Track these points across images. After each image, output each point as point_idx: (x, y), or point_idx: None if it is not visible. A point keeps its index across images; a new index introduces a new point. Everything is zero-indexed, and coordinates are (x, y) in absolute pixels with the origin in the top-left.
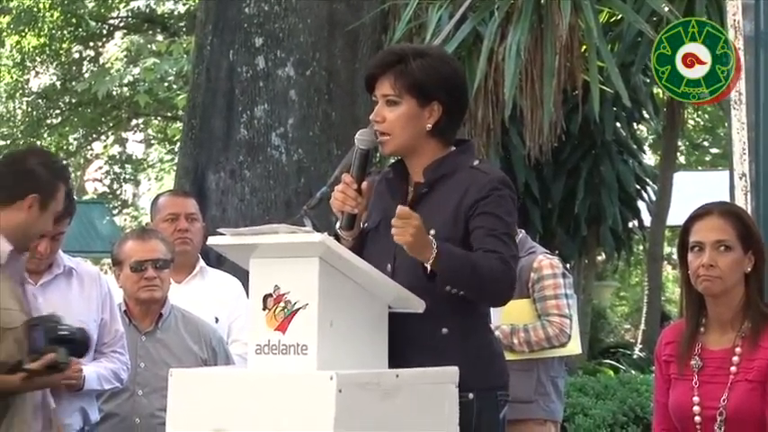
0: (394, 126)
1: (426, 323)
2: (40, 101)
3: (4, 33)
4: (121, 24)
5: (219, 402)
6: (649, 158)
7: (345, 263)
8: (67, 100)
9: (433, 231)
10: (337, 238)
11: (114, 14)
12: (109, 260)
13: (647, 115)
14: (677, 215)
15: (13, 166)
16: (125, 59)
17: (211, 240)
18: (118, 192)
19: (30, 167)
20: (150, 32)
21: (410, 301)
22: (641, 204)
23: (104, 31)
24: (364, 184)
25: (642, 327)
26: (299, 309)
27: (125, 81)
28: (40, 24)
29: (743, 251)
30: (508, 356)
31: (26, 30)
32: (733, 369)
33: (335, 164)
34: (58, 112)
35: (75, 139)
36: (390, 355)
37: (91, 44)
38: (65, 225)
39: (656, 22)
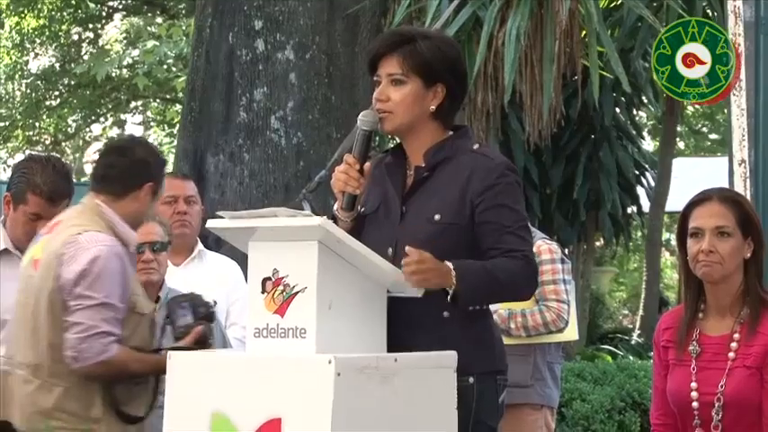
0: (398, 105)
1: (428, 307)
2: (39, 82)
3: (4, 14)
4: (121, 6)
5: (218, 385)
6: (648, 144)
7: (344, 247)
8: (66, 82)
9: (438, 216)
10: (334, 219)
11: None
12: None
13: (646, 101)
14: (676, 201)
15: (126, 157)
16: (124, 42)
17: (210, 223)
18: None
19: (143, 157)
20: (150, 15)
21: (408, 286)
22: (640, 190)
23: (104, 13)
24: (366, 165)
25: (640, 312)
26: (297, 292)
27: (124, 63)
28: (39, 6)
29: (742, 237)
30: (505, 341)
31: (25, 11)
32: (731, 355)
33: (335, 147)
34: (57, 93)
35: (74, 120)
36: (392, 338)
37: (90, 26)
38: (63, 207)
39: (656, 7)
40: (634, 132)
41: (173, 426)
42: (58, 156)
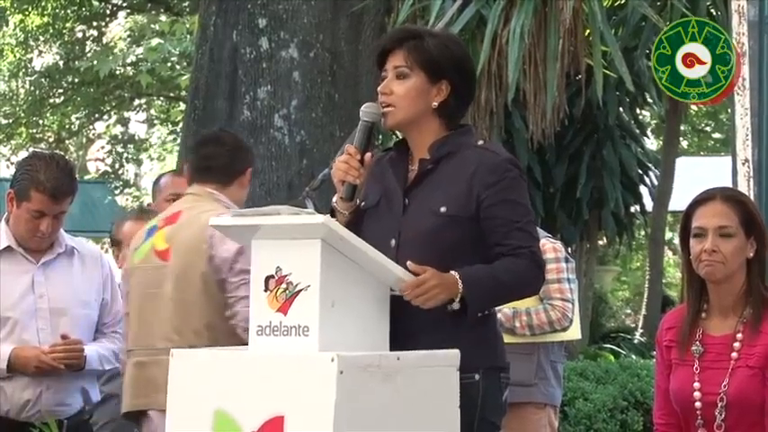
0: (401, 99)
1: None
2: (42, 80)
3: (8, 12)
4: (125, 4)
5: (220, 383)
6: (652, 143)
7: (347, 245)
8: (70, 79)
9: (443, 209)
10: (332, 213)
11: None
12: None
13: (650, 100)
14: (679, 200)
15: (224, 146)
16: (128, 39)
17: (213, 221)
18: (120, 172)
19: (238, 144)
20: (153, 12)
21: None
22: (643, 189)
23: (108, 11)
24: (367, 156)
25: (643, 312)
26: (300, 290)
27: (128, 61)
28: (43, 3)
29: (745, 237)
30: (509, 340)
31: (29, 9)
32: (734, 355)
33: (338, 146)
34: (60, 91)
35: (77, 118)
36: (394, 333)
37: (94, 24)
38: (66, 204)
39: (660, 6)
40: (637, 131)
41: (175, 424)
42: (62, 153)
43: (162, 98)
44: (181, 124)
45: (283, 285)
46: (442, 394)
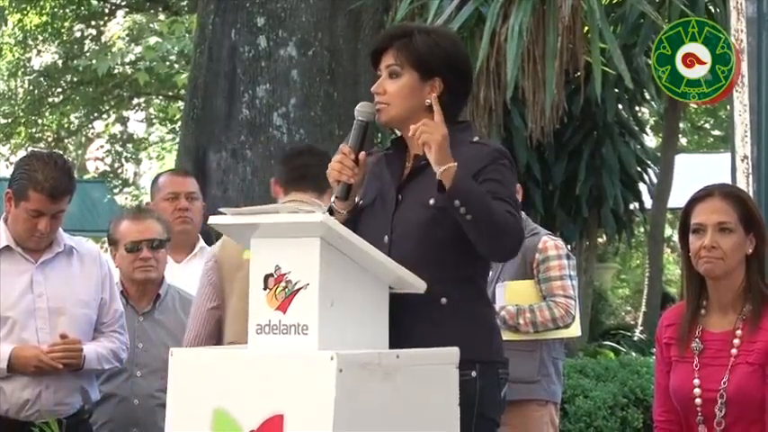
0: (393, 97)
1: (425, 292)
2: (41, 79)
3: (7, 11)
4: (123, 3)
5: (220, 382)
6: (651, 140)
7: (346, 243)
8: (69, 78)
9: (432, 201)
10: (331, 212)
11: None
12: None
13: (648, 97)
14: (678, 197)
15: (317, 156)
16: (127, 38)
17: (212, 220)
18: (119, 171)
19: (327, 155)
20: (152, 11)
21: (411, 283)
22: (642, 186)
23: (106, 10)
24: (361, 155)
25: (643, 309)
26: (299, 289)
27: (126, 60)
28: (41, 3)
29: (744, 233)
30: (513, 337)
31: (28, 8)
32: (734, 351)
33: (337, 144)
34: (59, 90)
35: (76, 117)
36: (392, 329)
37: (93, 23)
38: (65, 203)
39: (658, 3)
40: (636, 128)
41: (175, 422)
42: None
43: (161, 97)
44: (179, 123)
45: (282, 284)
46: (442, 392)
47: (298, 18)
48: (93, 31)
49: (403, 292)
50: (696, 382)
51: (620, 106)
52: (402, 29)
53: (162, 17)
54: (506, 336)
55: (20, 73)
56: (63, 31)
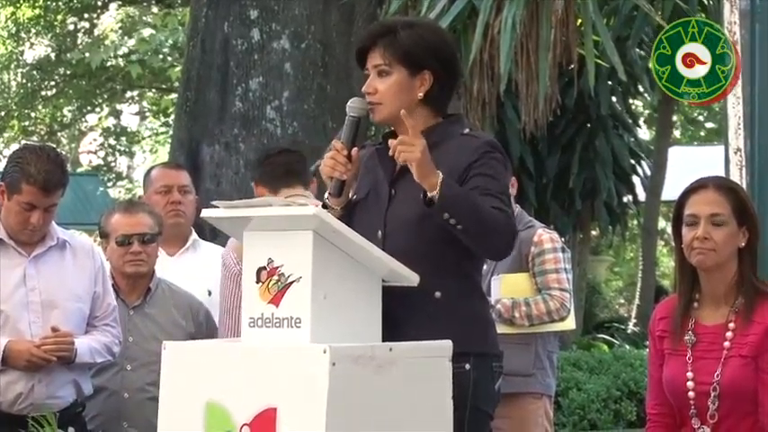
0: (384, 96)
1: (419, 286)
2: (34, 72)
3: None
4: None
5: (213, 375)
6: (644, 133)
7: (339, 236)
8: (62, 72)
9: (421, 195)
10: (325, 207)
11: None
12: None
13: (642, 90)
14: (672, 190)
15: (295, 154)
16: (120, 31)
17: (205, 213)
18: (112, 164)
19: (301, 153)
20: (145, 4)
21: (404, 276)
22: (636, 179)
23: (99, 3)
24: (354, 151)
25: (636, 301)
26: (292, 282)
27: (120, 53)
28: None
29: (737, 225)
30: (508, 330)
31: (21, 1)
32: (726, 344)
33: (330, 137)
34: (52, 83)
35: (69, 110)
36: (385, 322)
37: (86, 16)
38: (57, 197)
39: None
40: (630, 121)
41: (167, 415)
42: (53, 146)
43: (154, 90)
44: (173, 116)
45: (275, 277)
46: (435, 385)
47: (291, 11)
48: (86, 24)
49: (397, 286)
50: (689, 374)
51: (613, 99)
52: (385, 26)
53: (155, 10)
54: (502, 329)
55: (13, 66)
56: (56, 23)
